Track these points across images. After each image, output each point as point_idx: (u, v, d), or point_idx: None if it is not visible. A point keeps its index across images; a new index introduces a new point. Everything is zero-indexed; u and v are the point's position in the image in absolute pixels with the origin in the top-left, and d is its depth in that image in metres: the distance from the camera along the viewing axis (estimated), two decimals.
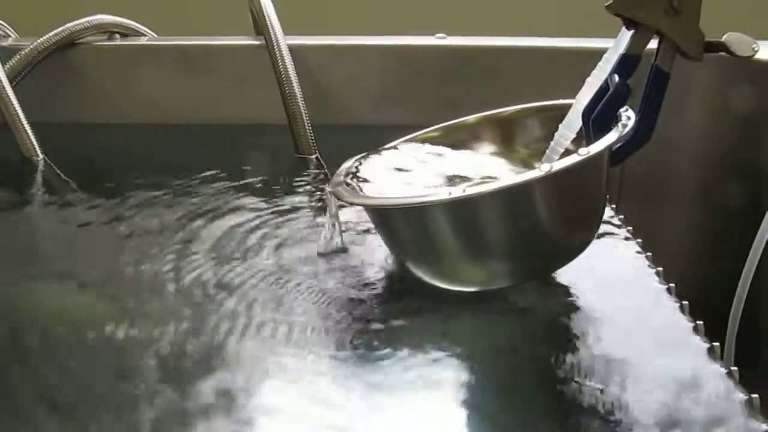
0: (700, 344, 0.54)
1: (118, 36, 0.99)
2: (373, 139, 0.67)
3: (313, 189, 0.79)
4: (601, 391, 0.50)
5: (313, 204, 0.75)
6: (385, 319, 0.57)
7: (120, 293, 0.61)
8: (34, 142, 0.88)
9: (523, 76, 0.94)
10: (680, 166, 0.94)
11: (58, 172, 0.86)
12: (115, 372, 0.52)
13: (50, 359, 0.53)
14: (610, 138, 0.56)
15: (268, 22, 0.90)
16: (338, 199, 0.60)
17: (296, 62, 0.90)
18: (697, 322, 0.56)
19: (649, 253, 0.66)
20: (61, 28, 0.94)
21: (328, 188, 0.62)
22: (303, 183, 0.81)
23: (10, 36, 0.99)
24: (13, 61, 0.91)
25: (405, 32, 0.98)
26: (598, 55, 0.62)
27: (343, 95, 0.96)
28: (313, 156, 0.89)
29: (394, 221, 0.59)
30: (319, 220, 0.70)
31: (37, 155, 0.88)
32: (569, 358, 0.53)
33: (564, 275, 0.61)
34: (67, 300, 0.61)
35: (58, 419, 0.48)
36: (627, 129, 0.56)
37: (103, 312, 0.59)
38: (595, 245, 0.60)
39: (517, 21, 1.14)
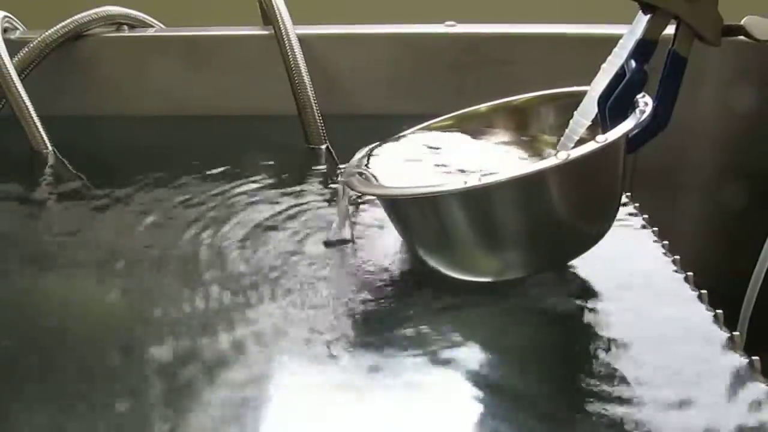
0: (721, 334, 0.53)
1: (126, 27, 0.97)
2: (383, 129, 0.66)
3: (324, 179, 0.78)
4: (617, 382, 0.49)
5: (323, 194, 0.74)
6: (397, 311, 0.56)
7: (131, 283, 0.60)
8: (44, 135, 0.87)
9: (533, 64, 0.92)
10: (694, 154, 0.92)
11: (68, 165, 0.85)
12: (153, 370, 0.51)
13: (66, 351, 0.53)
14: (628, 125, 0.54)
15: (276, 11, 0.89)
16: (351, 189, 0.59)
17: (305, 52, 0.88)
18: (717, 311, 0.55)
19: (666, 242, 0.64)
20: (68, 20, 0.93)
21: (340, 178, 0.61)
22: (314, 173, 0.80)
23: (17, 29, 0.97)
24: (22, 54, 0.90)
25: (414, 20, 0.97)
26: (609, 42, 0.61)
27: (352, 85, 0.95)
28: (323, 146, 0.87)
29: (408, 211, 0.57)
30: (330, 210, 0.69)
31: (47, 148, 0.87)
32: (585, 350, 0.52)
33: (580, 265, 0.60)
34: (81, 292, 0.60)
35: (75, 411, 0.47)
36: (645, 115, 0.55)
37: (118, 302, 0.58)
38: (611, 234, 0.59)
39: (528, 8, 1.12)
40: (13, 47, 0.90)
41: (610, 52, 0.61)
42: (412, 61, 0.95)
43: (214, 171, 0.79)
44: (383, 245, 0.63)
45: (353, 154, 0.63)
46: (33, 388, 0.49)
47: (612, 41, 0.61)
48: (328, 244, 0.64)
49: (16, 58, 0.89)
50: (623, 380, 0.49)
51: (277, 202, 0.72)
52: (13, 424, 0.46)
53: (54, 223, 0.74)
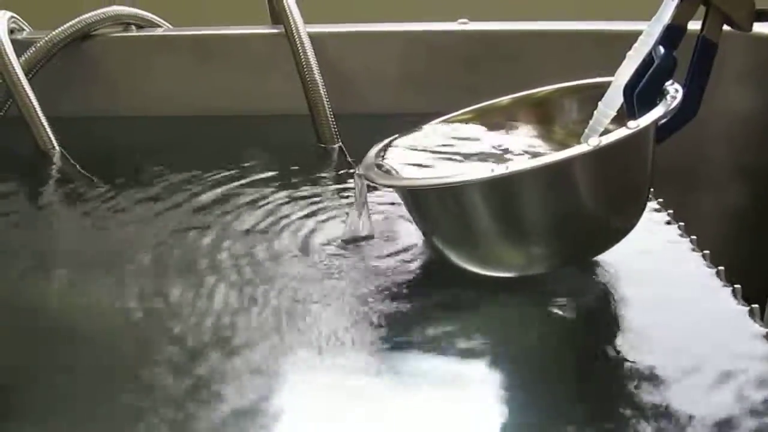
0: (758, 329, 0.51)
1: (133, 27, 0.96)
2: (396, 128, 0.64)
3: (338, 178, 0.77)
4: (648, 380, 0.47)
5: (338, 193, 0.73)
6: (416, 308, 0.54)
7: (141, 283, 0.58)
8: (51, 135, 0.86)
9: (547, 61, 0.91)
10: (715, 148, 0.90)
11: (75, 165, 0.84)
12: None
13: (76, 349, 0.52)
14: (658, 111, 0.52)
15: (287, 8, 0.88)
16: (370, 181, 0.57)
17: (315, 51, 0.87)
18: (753, 306, 0.52)
19: (694, 237, 0.62)
20: (75, 20, 0.91)
21: (357, 171, 0.59)
22: (327, 172, 0.79)
23: (24, 30, 0.96)
24: (28, 54, 0.89)
25: (426, 18, 0.95)
26: (624, 37, 0.59)
27: (364, 83, 0.94)
28: (336, 146, 0.86)
29: (430, 203, 0.55)
30: (346, 207, 0.67)
31: (54, 148, 0.86)
32: (611, 349, 0.50)
33: (605, 261, 0.58)
34: (89, 292, 0.59)
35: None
36: (676, 102, 0.53)
37: (129, 302, 0.56)
38: (635, 230, 0.57)
39: (542, 4, 1.10)
40: (19, 48, 0.88)
41: (625, 49, 0.59)
42: (425, 60, 0.93)
43: (224, 172, 0.77)
44: (402, 240, 0.62)
45: (366, 154, 0.61)
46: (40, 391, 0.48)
47: (627, 38, 0.59)
48: (344, 241, 0.62)
49: (23, 58, 0.88)
50: (655, 380, 0.47)
51: (291, 202, 0.70)
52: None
53: (60, 223, 0.72)
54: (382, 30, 0.94)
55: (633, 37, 0.58)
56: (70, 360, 0.50)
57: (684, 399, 0.45)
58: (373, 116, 0.91)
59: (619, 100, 0.57)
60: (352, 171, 0.75)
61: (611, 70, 0.59)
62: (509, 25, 0.94)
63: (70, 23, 0.91)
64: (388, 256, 0.60)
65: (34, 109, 0.85)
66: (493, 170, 0.50)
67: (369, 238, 0.62)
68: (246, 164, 0.79)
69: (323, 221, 0.66)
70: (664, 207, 0.67)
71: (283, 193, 0.72)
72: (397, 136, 0.62)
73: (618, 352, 0.50)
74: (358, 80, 0.94)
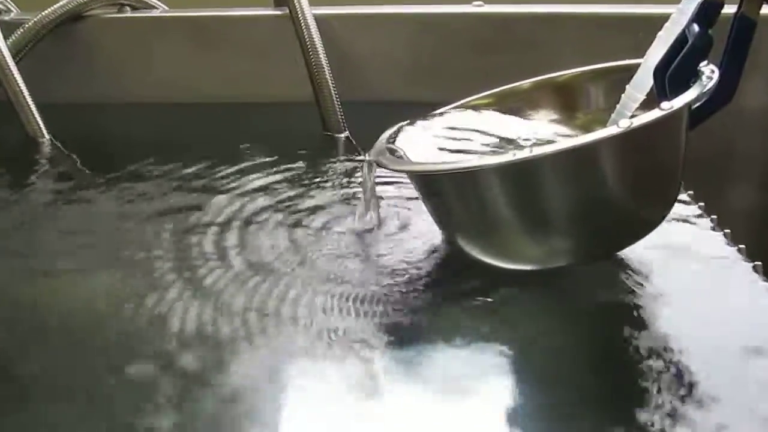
0: None
1: (128, 8, 0.95)
2: (407, 117, 0.63)
3: (345, 167, 0.76)
4: (680, 378, 0.46)
5: (345, 184, 0.72)
6: (429, 303, 0.54)
7: (136, 275, 0.58)
8: (40, 122, 0.86)
9: (568, 47, 0.89)
10: (745, 139, 0.89)
11: (66, 154, 0.83)
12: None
13: (68, 342, 0.52)
14: (693, 93, 0.51)
15: None
16: (381, 166, 0.56)
17: (321, 34, 0.86)
18: None
19: (728, 230, 0.62)
20: (66, 0, 0.90)
21: (367, 156, 0.59)
22: (333, 163, 0.78)
23: (11, 10, 0.96)
24: (16, 36, 0.88)
25: (439, 0, 0.95)
26: (646, 21, 0.59)
27: (373, 69, 0.93)
28: (343, 134, 0.85)
29: (445, 190, 0.55)
30: (354, 199, 0.68)
31: (43, 136, 0.86)
32: (641, 352, 0.49)
33: (632, 255, 0.57)
34: (82, 286, 0.58)
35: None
36: (712, 83, 0.52)
37: (121, 293, 0.56)
38: (664, 222, 0.56)
39: None
40: (6, 29, 0.88)
41: (651, 35, 0.58)
42: (437, 44, 0.92)
43: (224, 164, 0.77)
44: (414, 231, 0.62)
45: (383, 134, 0.61)
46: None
47: (650, 21, 0.58)
48: (353, 232, 0.62)
49: (10, 40, 0.87)
50: (689, 378, 0.47)
51: (294, 193, 0.70)
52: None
53: (50, 215, 0.71)
54: (392, 12, 0.93)
55: (661, 21, 0.57)
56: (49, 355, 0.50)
57: (717, 396, 0.45)
58: (382, 104, 0.90)
59: (649, 82, 0.57)
60: (360, 157, 0.77)
61: (637, 56, 0.58)
62: (527, 7, 0.93)
63: (61, 3, 0.90)
64: (398, 247, 0.60)
65: (23, 94, 0.85)
66: (515, 154, 0.49)
67: (378, 227, 0.62)
68: (247, 154, 0.79)
69: (329, 212, 0.66)
70: (694, 199, 0.67)
71: (285, 184, 0.72)
72: (409, 121, 0.62)
73: (649, 351, 0.49)
74: (367, 66, 0.93)
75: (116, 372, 0.48)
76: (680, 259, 0.58)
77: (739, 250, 0.58)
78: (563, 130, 0.62)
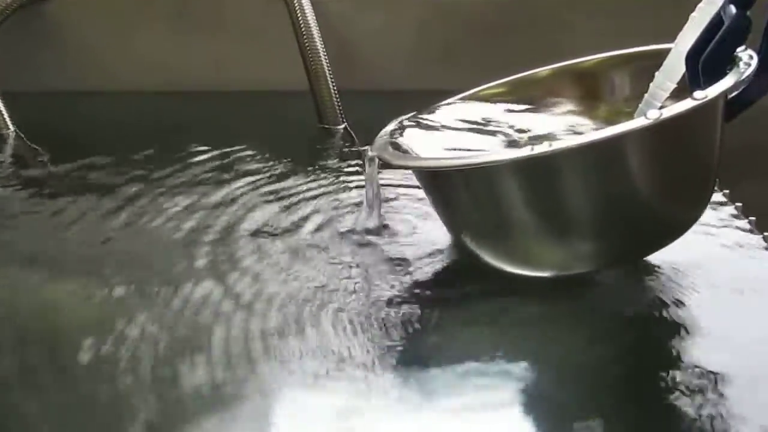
0: None
1: None
2: (411, 108, 0.63)
3: (343, 165, 0.76)
4: (718, 388, 0.46)
5: (344, 183, 0.72)
6: (435, 318, 0.53)
7: (121, 275, 0.59)
8: (4, 114, 0.86)
9: (588, 30, 0.90)
10: None
11: (33, 147, 0.83)
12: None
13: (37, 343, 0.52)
14: (728, 81, 0.51)
15: None
16: (384, 162, 0.56)
17: (317, 17, 0.86)
18: None
19: (766, 233, 0.61)
20: None
21: (369, 152, 0.59)
22: (330, 158, 0.78)
23: None
24: None
25: None
26: (676, 1, 0.57)
27: (374, 55, 0.94)
28: (341, 127, 0.86)
29: (454, 188, 0.54)
30: (354, 197, 0.68)
31: (7, 128, 0.86)
32: (671, 370, 0.48)
33: (660, 261, 0.57)
34: (51, 289, 0.59)
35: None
36: (750, 70, 0.52)
37: (102, 295, 0.56)
38: (696, 225, 0.56)
39: None
40: None
41: (683, 18, 0.57)
42: (445, 27, 0.93)
43: (210, 160, 0.77)
44: (421, 233, 0.62)
45: (378, 134, 0.61)
46: None
47: (680, 1, 0.57)
48: (354, 233, 0.62)
49: None
50: (728, 387, 0.46)
51: (291, 192, 0.70)
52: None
53: (16, 212, 0.70)
54: None
55: (694, 1, 0.56)
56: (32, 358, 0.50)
57: (755, 405, 0.45)
58: (383, 93, 0.91)
59: (681, 69, 0.56)
60: (359, 149, 0.77)
61: (667, 40, 0.58)
62: None
63: None
64: (402, 250, 0.60)
65: None
66: (532, 149, 0.48)
67: (382, 227, 0.62)
68: (235, 148, 0.79)
69: (327, 212, 0.66)
70: (729, 199, 0.66)
71: (280, 182, 0.72)
72: (415, 113, 0.62)
73: (685, 363, 0.49)
74: (367, 51, 0.94)
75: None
76: (715, 265, 0.58)
77: None
78: (585, 122, 0.62)
